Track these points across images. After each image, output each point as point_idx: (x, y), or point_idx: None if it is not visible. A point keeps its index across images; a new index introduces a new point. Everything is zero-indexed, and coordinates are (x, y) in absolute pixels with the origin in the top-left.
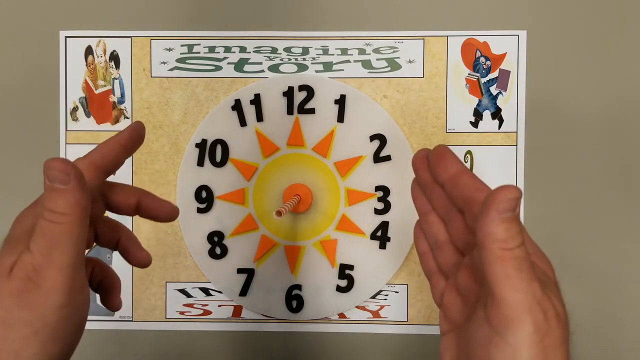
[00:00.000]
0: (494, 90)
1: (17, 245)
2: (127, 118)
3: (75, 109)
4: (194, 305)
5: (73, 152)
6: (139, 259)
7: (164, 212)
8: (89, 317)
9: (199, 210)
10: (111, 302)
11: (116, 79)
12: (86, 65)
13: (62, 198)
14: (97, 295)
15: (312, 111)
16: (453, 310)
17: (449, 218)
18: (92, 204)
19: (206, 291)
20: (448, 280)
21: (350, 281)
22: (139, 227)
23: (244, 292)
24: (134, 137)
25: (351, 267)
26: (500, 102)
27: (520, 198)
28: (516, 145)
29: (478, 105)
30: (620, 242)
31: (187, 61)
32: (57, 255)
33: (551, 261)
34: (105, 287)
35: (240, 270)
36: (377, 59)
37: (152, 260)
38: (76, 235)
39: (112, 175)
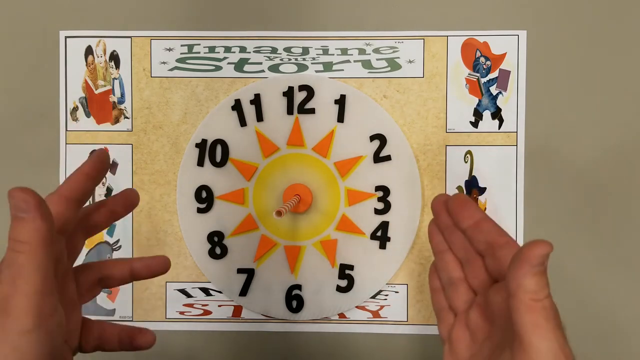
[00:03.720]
0: (494, 90)
1: None
2: (127, 118)
3: (75, 109)
4: (194, 305)
5: (73, 152)
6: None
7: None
8: (89, 318)
9: (199, 210)
10: (139, 340)
11: (116, 79)
12: (86, 65)
13: (23, 227)
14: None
15: (312, 111)
16: (461, 346)
17: (467, 258)
18: (69, 236)
19: (206, 291)
20: (457, 316)
21: (350, 281)
22: (139, 227)
23: (244, 292)
24: (97, 166)
25: (351, 267)
26: (500, 102)
27: (550, 253)
28: (516, 145)
29: (478, 105)
30: (619, 240)
31: (187, 61)
32: (22, 284)
33: (550, 261)
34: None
35: (240, 270)
36: (377, 59)
37: None
38: (38, 263)
39: (113, 178)
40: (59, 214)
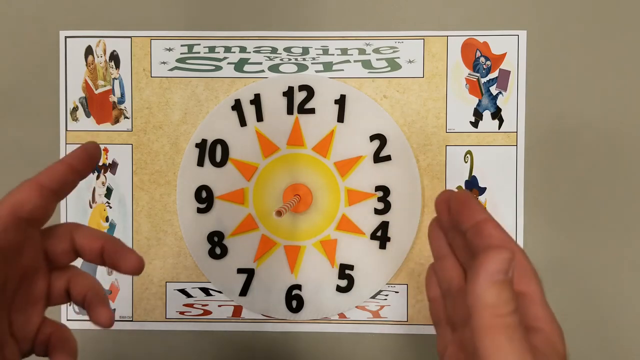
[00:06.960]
0: (494, 90)
1: None
2: (127, 118)
3: (75, 109)
4: (194, 305)
5: None
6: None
7: (127, 263)
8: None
9: (199, 210)
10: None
11: (116, 79)
12: (86, 65)
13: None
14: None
15: (312, 111)
16: None
17: (469, 265)
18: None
19: (206, 291)
20: (454, 333)
21: (350, 281)
22: (139, 227)
23: (244, 292)
24: (84, 159)
25: (351, 267)
26: (500, 102)
27: (513, 260)
28: (516, 145)
29: (478, 105)
30: (619, 241)
31: (187, 61)
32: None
33: (550, 262)
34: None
35: (240, 270)
36: (377, 59)
37: (152, 260)
38: None
39: (113, 178)
40: (28, 201)
